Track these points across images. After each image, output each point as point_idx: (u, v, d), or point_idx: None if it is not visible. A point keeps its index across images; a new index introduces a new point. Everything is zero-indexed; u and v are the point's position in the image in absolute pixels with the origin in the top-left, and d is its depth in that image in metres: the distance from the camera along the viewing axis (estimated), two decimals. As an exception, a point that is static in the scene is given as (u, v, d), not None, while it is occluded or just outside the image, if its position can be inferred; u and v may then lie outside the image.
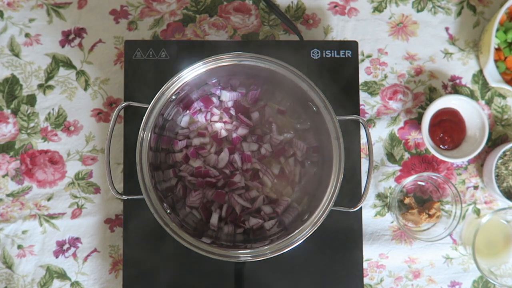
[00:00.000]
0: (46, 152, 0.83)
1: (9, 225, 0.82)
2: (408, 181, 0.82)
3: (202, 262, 0.75)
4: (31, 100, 0.84)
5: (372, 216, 0.85)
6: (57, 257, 0.82)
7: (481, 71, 0.87)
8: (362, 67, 0.86)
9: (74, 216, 0.83)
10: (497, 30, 0.81)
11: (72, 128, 0.84)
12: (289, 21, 0.85)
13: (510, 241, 0.85)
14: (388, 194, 0.85)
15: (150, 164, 0.69)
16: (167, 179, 0.76)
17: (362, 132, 0.80)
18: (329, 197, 0.68)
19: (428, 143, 0.82)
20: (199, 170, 0.76)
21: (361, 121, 0.70)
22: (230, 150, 0.77)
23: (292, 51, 0.81)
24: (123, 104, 0.69)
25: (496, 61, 0.82)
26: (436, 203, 0.84)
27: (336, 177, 0.68)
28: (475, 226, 0.81)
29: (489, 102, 0.87)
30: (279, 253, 0.67)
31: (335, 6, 0.87)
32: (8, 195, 0.83)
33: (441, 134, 0.84)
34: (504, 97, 0.87)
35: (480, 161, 0.86)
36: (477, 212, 0.86)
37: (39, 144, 0.83)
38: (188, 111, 0.78)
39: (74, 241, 0.83)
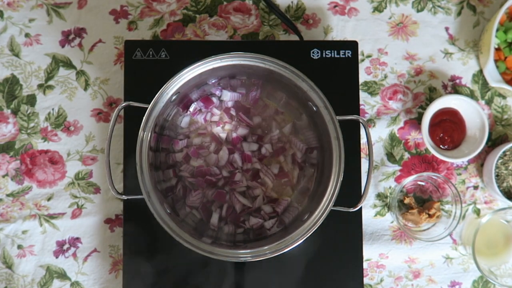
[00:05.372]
0: (46, 152, 0.83)
1: (9, 225, 0.82)
2: (408, 181, 0.82)
3: (202, 262, 0.75)
4: (31, 100, 0.84)
5: (372, 216, 0.85)
6: (57, 257, 0.82)
7: (481, 71, 0.87)
8: (362, 67, 0.86)
9: (74, 216, 0.83)
10: (497, 30, 0.81)
11: (72, 128, 0.84)
12: (289, 21, 0.85)
13: (510, 241, 0.85)
14: (388, 194, 0.85)
15: (150, 164, 0.69)
16: (167, 179, 0.76)
17: (362, 132, 0.80)
18: (329, 197, 0.68)
19: (428, 143, 0.82)
20: (200, 169, 0.76)
21: (361, 121, 0.70)
22: (230, 150, 0.77)
23: (292, 51, 0.81)
24: (123, 104, 0.69)
25: (496, 61, 0.82)
26: (436, 203, 0.84)
27: (336, 177, 0.68)
28: (475, 226, 0.80)
29: (489, 102, 0.87)
30: (279, 253, 0.67)
31: (335, 6, 0.87)
32: (8, 195, 0.83)
33: (441, 134, 0.84)
34: (504, 97, 0.87)
35: (480, 161, 0.86)
36: (477, 212, 0.86)
37: (39, 144, 0.83)
38: (188, 112, 0.78)
39: (74, 241, 0.83)
